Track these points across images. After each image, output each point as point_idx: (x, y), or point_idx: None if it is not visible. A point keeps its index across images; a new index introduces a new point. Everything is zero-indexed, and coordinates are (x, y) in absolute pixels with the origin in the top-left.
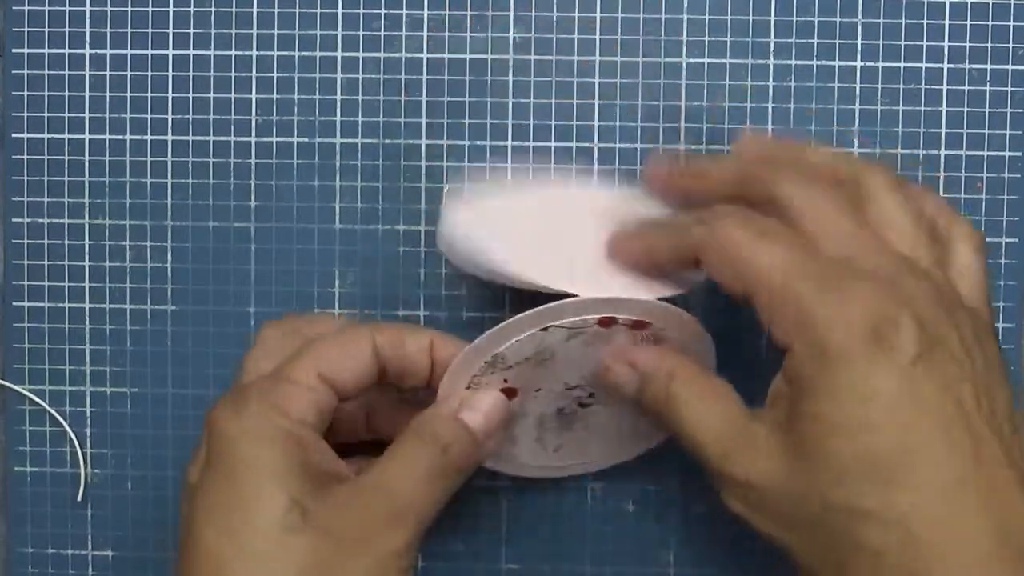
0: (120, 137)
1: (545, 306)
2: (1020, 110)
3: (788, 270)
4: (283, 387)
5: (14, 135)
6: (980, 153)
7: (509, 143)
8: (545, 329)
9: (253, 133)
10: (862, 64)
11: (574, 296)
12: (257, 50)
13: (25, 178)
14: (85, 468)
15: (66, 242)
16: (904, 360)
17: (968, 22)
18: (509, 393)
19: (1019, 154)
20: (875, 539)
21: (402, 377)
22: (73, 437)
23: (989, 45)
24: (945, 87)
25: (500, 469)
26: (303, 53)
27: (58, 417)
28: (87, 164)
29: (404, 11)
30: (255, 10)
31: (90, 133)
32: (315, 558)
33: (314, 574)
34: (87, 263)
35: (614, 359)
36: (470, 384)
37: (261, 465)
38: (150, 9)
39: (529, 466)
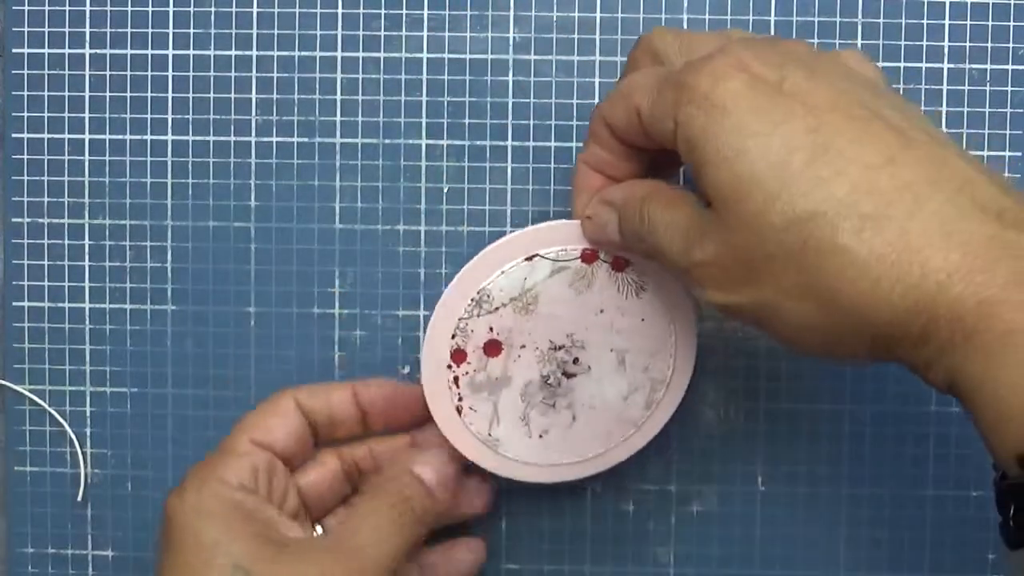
0: (120, 137)
1: (526, 229)
2: (1020, 110)
3: (653, 76)
4: (220, 460)
5: (14, 135)
6: (980, 153)
7: (509, 143)
8: (530, 259)
9: (253, 133)
10: None
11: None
12: (257, 50)
13: (25, 178)
14: (85, 468)
15: (66, 242)
16: (774, 84)
17: (968, 22)
18: (495, 348)
19: (1019, 154)
20: (833, 236)
21: (335, 428)
22: (73, 437)
23: (989, 45)
24: (945, 87)
25: (487, 466)
26: (303, 53)
27: (58, 417)
28: (87, 164)
29: (404, 11)
30: (255, 10)
31: (90, 133)
32: None
33: None
34: (87, 263)
35: (592, 205)
36: (455, 332)
37: (203, 537)
38: (150, 9)
39: (517, 462)
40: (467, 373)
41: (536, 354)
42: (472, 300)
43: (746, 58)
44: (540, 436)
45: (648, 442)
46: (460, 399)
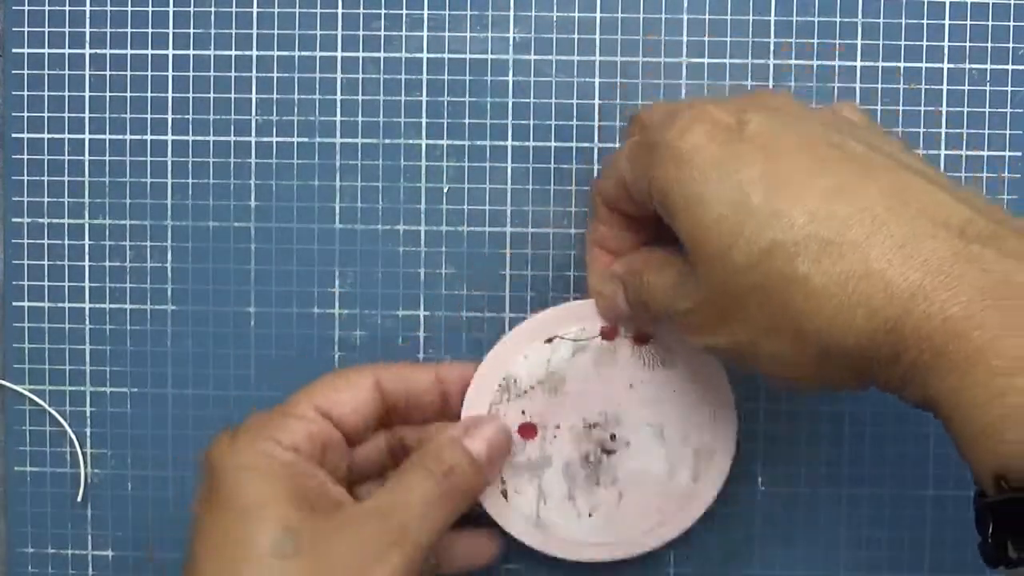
0: (120, 137)
1: (544, 311)
2: (1020, 110)
3: (634, 142)
4: (276, 419)
5: (14, 135)
6: (980, 153)
7: (509, 143)
8: (550, 341)
9: (253, 133)
10: (862, 64)
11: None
12: (257, 50)
13: (25, 178)
14: (85, 468)
15: (66, 242)
16: (735, 129)
17: (968, 22)
18: (529, 431)
19: (1019, 154)
20: (792, 267)
21: (411, 411)
22: (73, 437)
23: (989, 45)
24: (945, 87)
25: (538, 547)
26: (303, 53)
27: (58, 417)
28: (87, 164)
29: (404, 11)
30: (255, 10)
31: (90, 133)
32: None
33: None
34: (87, 263)
35: (600, 281)
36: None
37: (253, 495)
38: (150, 9)
39: (565, 541)
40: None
41: (572, 433)
42: (500, 386)
43: (710, 109)
44: (589, 515)
45: (698, 518)
46: (503, 482)
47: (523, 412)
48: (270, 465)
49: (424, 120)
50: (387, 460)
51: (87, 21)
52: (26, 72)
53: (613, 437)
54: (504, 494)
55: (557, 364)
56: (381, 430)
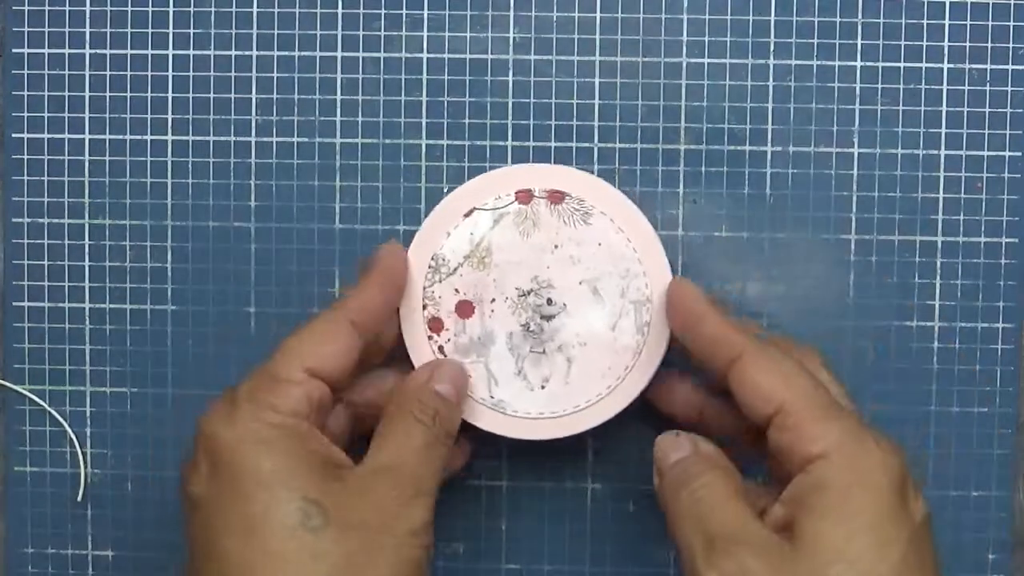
0: (120, 137)
1: (460, 186)
2: (1020, 110)
3: (825, 395)
4: (270, 385)
5: (14, 135)
6: (980, 153)
7: (509, 143)
8: (469, 215)
9: (253, 133)
10: (862, 64)
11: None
12: (257, 50)
13: (25, 178)
14: (85, 468)
15: (66, 242)
16: (916, 519)
17: (968, 22)
18: (466, 308)
19: (1019, 154)
20: None
21: (381, 333)
22: (73, 437)
23: (989, 45)
24: (945, 87)
25: (500, 431)
26: (303, 53)
27: (58, 417)
28: (87, 164)
29: (404, 11)
30: (255, 10)
31: (90, 133)
32: (344, 552)
33: (341, 568)
34: (87, 263)
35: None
36: (425, 302)
37: (267, 468)
38: (150, 9)
39: (528, 419)
40: (449, 340)
41: (508, 304)
42: (430, 267)
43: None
44: (542, 387)
45: (654, 372)
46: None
47: (456, 290)
48: (277, 435)
49: (424, 120)
50: (347, 434)
51: (87, 21)
52: (26, 72)
53: (550, 301)
54: None
55: (480, 236)
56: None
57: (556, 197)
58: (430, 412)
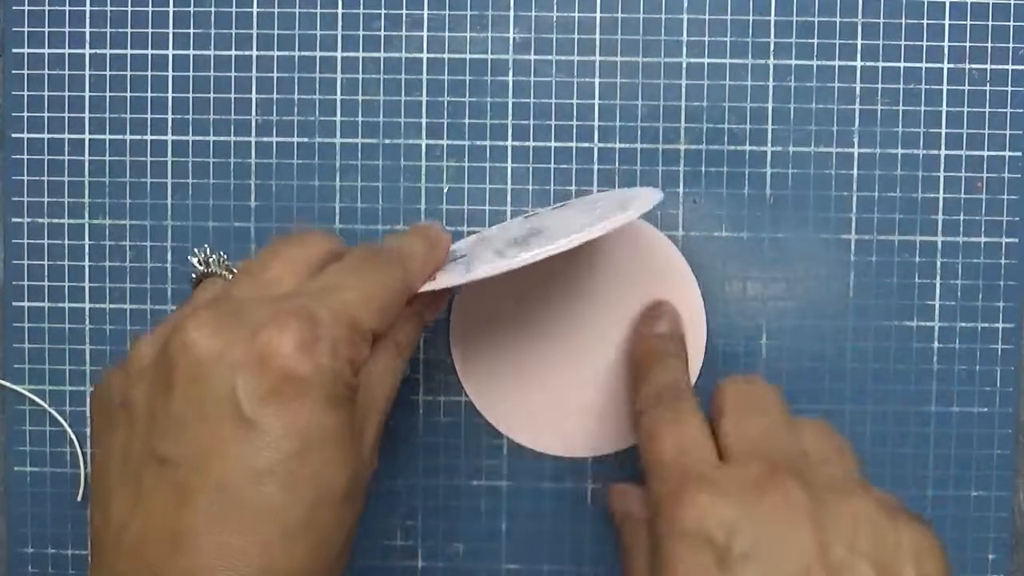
0: (120, 137)
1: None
2: (1020, 110)
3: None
4: (354, 339)
5: (14, 135)
6: (980, 153)
7: (509, 143)
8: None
9: (253, 133)
10: (862, 64)
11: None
12: (257, 50)
13: (25, 178)
14: (85, 468)
15: (66, 242)
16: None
17: (968, 22)
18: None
19: (1019, 154)
20: None
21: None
22: (73, 437)
23: (989, 45)
24: (945, 87)
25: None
26: (303, 53)
27: (58, 417)
28: (87, 164)
29: (404, 11)
30: (255, 10)
31: (90, 133)
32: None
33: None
34: (87, 263)
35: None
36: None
37: (332, 430)
38: (150, 9)
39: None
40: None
41: (497, 243)
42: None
43: (708, 513)
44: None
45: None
46: (433, 279)
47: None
48: (348, 397)
49: (424, 120)
50: None
51: (87, 21)
52: (26, 72)
53: (537, 233)
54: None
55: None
56: None
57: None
58: (392, 255)
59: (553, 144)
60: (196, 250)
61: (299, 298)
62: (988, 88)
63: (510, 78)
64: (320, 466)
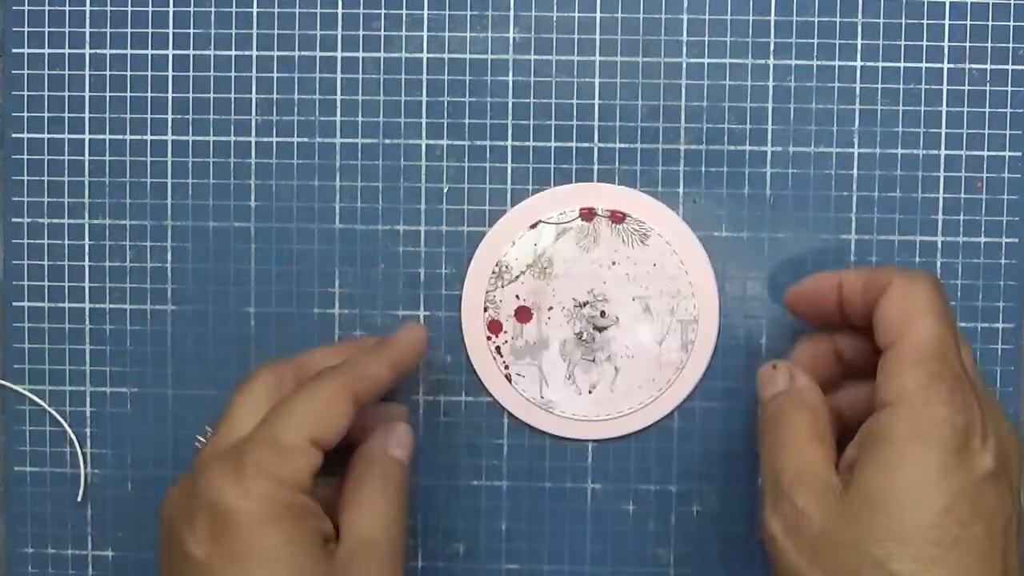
0: (120, 137)
1: (526, 200)
2: (1020, 110)
3: (937, 343)
4: (279, 456)
5: (14, 135)
6: (980, 153)
7: (509, 143)
8: (534, 226)
9: (253, 133)
10: (862, 64)
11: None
12: (257, 50)
13: (25, 178)
14: (85, 468)
15: (66, 242)
16: (975, 475)
17: (968, 22)
18: (525, 314)
19: (1019, 154)
20: None
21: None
22: (73, 437)
23: (989, 45)
24: (945, 87)
25: (546, 428)
26: (303, 53)
27: (58, 417)
28: (87, 164)
29: (404, 11)
30: (255, 10)
31: (90, 133)
32: None
33: None
34: (87, 263)
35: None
36: (486, 304)
37: (271, 547)
38: (150, 9)
39: (568, 419)
40: (506, 342)
41: (564, 313)
42: (493, 273)
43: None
44: (589, 392)
45: (693, 389)
46: (507, 367)
47: (517, 296)
48: (285, 512)
49: (424, 120)
50: None
51: (87, 21)
52: (26, 72)
53: (603, 314)
54: (508, 378)
55: (543, 247)
56: None
57: (618, 217)
58: (390, 479)
59: (553, 144)
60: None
61: (237, 440)
62: (988, 88)
63: (510, 78)
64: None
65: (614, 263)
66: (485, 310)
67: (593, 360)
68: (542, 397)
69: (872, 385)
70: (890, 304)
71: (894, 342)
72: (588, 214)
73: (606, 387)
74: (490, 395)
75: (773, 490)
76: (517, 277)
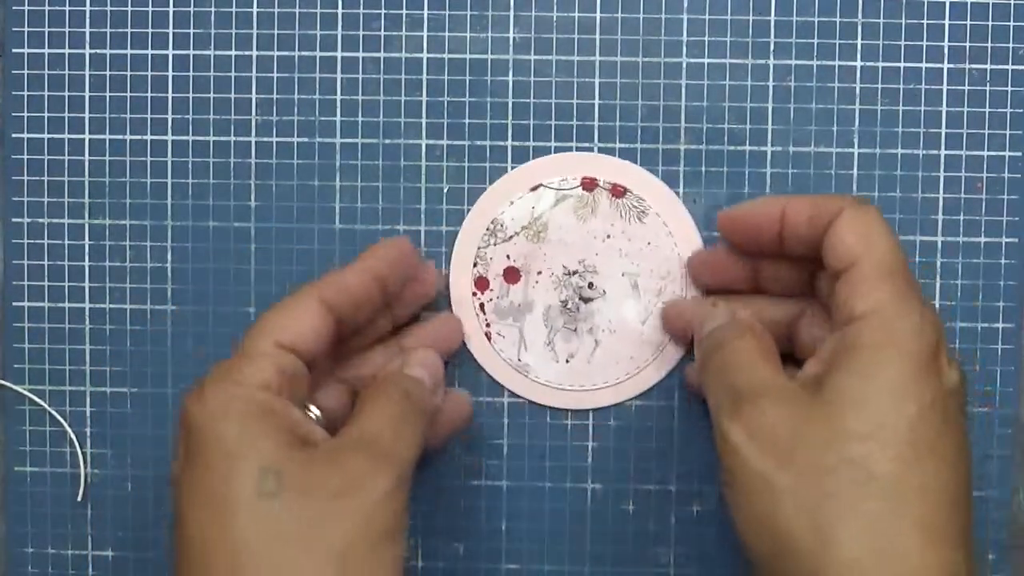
0: (120, 137)
1: (529, 161)
2: (1020, 110)
3: (898, 260)
4: (240, 361)
5: (14, 135)
6: (980, 153)
7: (509, 143)
8: (535, 189)
9: (253, 133)
10: (862, 64)
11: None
12: (257, 50)
13: (25, 178)
14: (85, 468)
15: (66, 242)
16: (945, 386)
17: (968, 22)
18: (513, 275)
19: (1019, 154)
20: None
21: (358, 313)
22: (73, 437)
23: (989, 45)
24: (945, 87)
25: (518, 391)
26: (303, 53)
27: (58, 417)
28: (87, 164)
29: (404, 11)
30: (255, 10)
31: (90, 133)
32: (294, 518)
33: (295, 535)
34: (87, 263)
35: (690, 305)
36: (476, 261)
37: (231, 441)
38: (150, 9)
39: (547, 387)
40: (491, 300)
41: (552, 279)
42: (487, 230)
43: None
44: (567, 361)
45: (670, 371)
46: (488, 325)
47: (507, 256)
48: (244, 408)
49: (424, 120)
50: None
51: (87, 21)
52: (26, 72)
53: (591, 285)
54: (488, 336)
55: (541, 211)
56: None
57: (618, 191)
58: (403, 389)
59: (553, 144)
60: None
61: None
62: (988, 88)
63: (510, 78)
64: (226, 469)
65: (609, 236)
66: (475, 265)
67: (575, 330)
68: (519, 360)
69: (793, 312)
70: (846, 227)
71: (854, 263)
72: (590, 184)
73: (583, 358)
74: (468, 351)
75: (732, 402)
76: (511, 237)
